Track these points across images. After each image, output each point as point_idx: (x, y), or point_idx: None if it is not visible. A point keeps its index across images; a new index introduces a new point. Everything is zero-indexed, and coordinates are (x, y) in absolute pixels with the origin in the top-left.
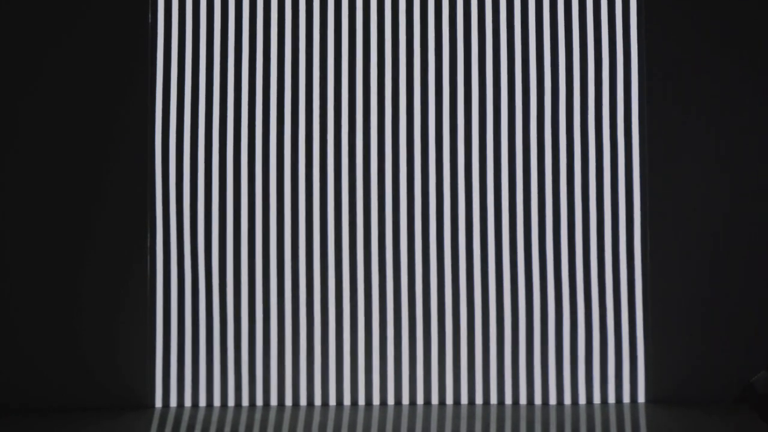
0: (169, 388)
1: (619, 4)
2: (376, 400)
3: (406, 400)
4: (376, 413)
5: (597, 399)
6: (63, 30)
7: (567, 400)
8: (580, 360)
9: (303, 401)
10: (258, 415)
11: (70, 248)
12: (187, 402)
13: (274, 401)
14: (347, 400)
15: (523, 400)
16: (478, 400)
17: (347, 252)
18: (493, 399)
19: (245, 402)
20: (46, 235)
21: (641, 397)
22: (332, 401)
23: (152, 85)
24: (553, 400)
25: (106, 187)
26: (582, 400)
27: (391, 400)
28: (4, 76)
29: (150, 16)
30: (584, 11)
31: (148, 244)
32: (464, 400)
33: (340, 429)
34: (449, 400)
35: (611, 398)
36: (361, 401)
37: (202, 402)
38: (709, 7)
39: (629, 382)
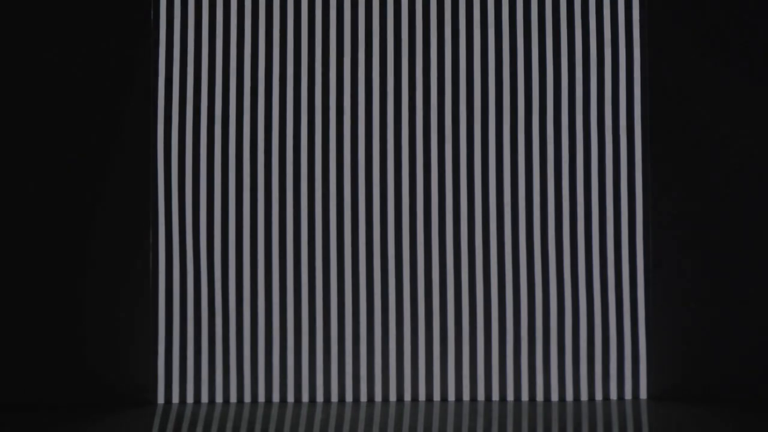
0: (172, 384)
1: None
2: (378, 397)
3: (408, 397)
4: (377, 410)
5: (599, 395)
6: (63, 26)
7: (569, 396)
8: (582, 356)
9: (305, 398)
10: (260, 412)
11: (71, 244)
12: (190, 398)
13: (276, 398)
14: (349, 397)
15: (525, 396)
16: (480, 396)
17: (349, 248)
18: (495, 396)
19: (247, 398)
20: (48, 232)
21: (643, 394)
22: (334, 398)
23: (154, 81)
24: (555, 396)
25: (108, 184)
26: (584, 396)
27: (393, 397)
28: (4, 73)
29: (152, 12)
30: (587, 6)
31: (150, 240)
32: (466, 396)
33: (341, 426)
34: (451, 396)
35: (613, 395)
36: (363, 398)
37: (205, 398)
38: (713, 4)
39: (631, 379)
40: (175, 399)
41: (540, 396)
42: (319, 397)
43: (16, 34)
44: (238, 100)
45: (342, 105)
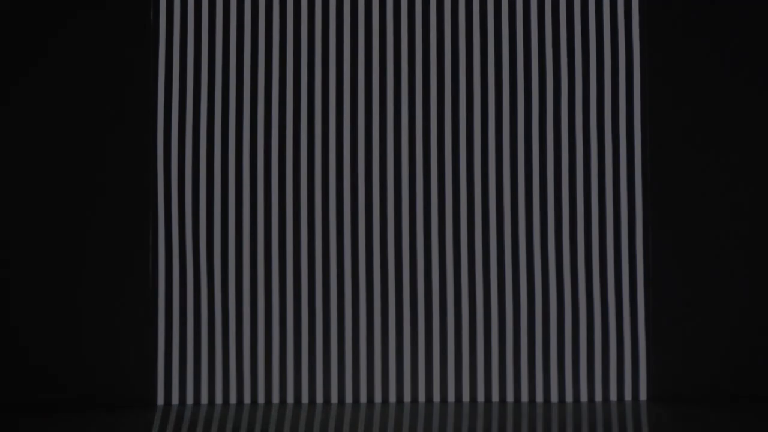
0: (171, 385)
1: (621, 3)
2: (378, 398)
3: (407, 398)
4: (377, 410)
5: (599, 397)
6: (64, 26)
7: (569, 398)
8: (581, 357)
9: (305, 399)
10: (260, 413)
11: (71, 244)
12: (189, 400)
13: (276, 399)
14: (349, 398)
15: (525, 397)
16: (480, 397)
17: (349, 248)
18: (495, 397)
19: (247, 399)
20: (48, 231)
21: (643, 395)
22: (334, 399)
23: (154, 80)
24: (555, 398)
25: (108, 183)
26: (584, 398)
27: (392, 398)
28: (4, 73)
29: (152, 12)
30: (586, 9)
31: (150, 241)
32: (466, 397)
33: (341, 427)
34: (451, 397)
35: (613, 396)
36: (363, 399)
37: (204, 400)
38: (712, 6)
39: (631, 380)
40: (175, 400)
41: (540, 397)
42: (319, 399)
43: (16, 34)
44: (237, 99)
45: (342, 104)
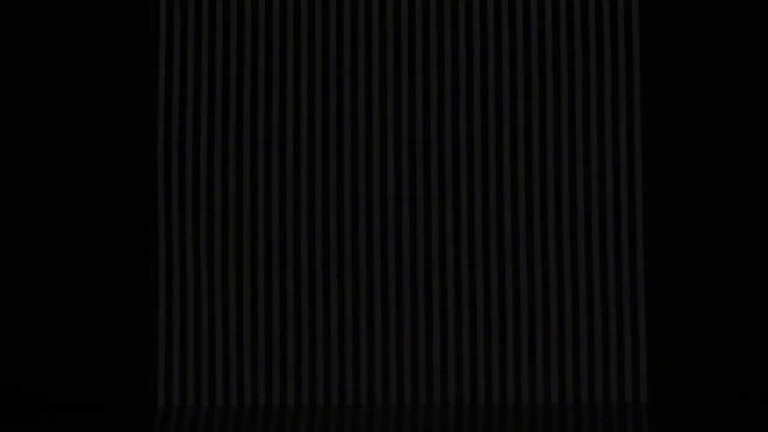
0: (172, 386)
1: (621, 4)
2: (378, 400)
3: (408, 399)
4: (378, 413)
5: (599, 398)
6: (62, 25)
7: (569, 399)
8: (582, 358)
9: (306, 401)
10: (260, 415)
11: (70, 243)
12: (190, 401)
13: (276, 401)
14: (349, 400)
15: (525, 399)
16: (480, 399)
17: (350, 248)
18: (496, 399)
19: (247, 401)
20: (47, 230)
21: (643, 396)
22: (334, 401)
23: (154, 79)
24: (555, 399)
25: (108, 184)
26: (584, 399)
27: (393, 400)
28: (3, 71)
29: (152, 13)
30: (586, 7)
31: (151, 239)
32: (467, 399)
33: (341, 429)
34: (451, 399)
35: (613, 397)
36: (363, 401)
37: (205, 401)
38: (710, 4)
39: (632, 381)
40: (176, 401)
41: (540, 398)
42: (319, 401)
43: (14, 34)
44: (238, 96)
45: (342, 105)
